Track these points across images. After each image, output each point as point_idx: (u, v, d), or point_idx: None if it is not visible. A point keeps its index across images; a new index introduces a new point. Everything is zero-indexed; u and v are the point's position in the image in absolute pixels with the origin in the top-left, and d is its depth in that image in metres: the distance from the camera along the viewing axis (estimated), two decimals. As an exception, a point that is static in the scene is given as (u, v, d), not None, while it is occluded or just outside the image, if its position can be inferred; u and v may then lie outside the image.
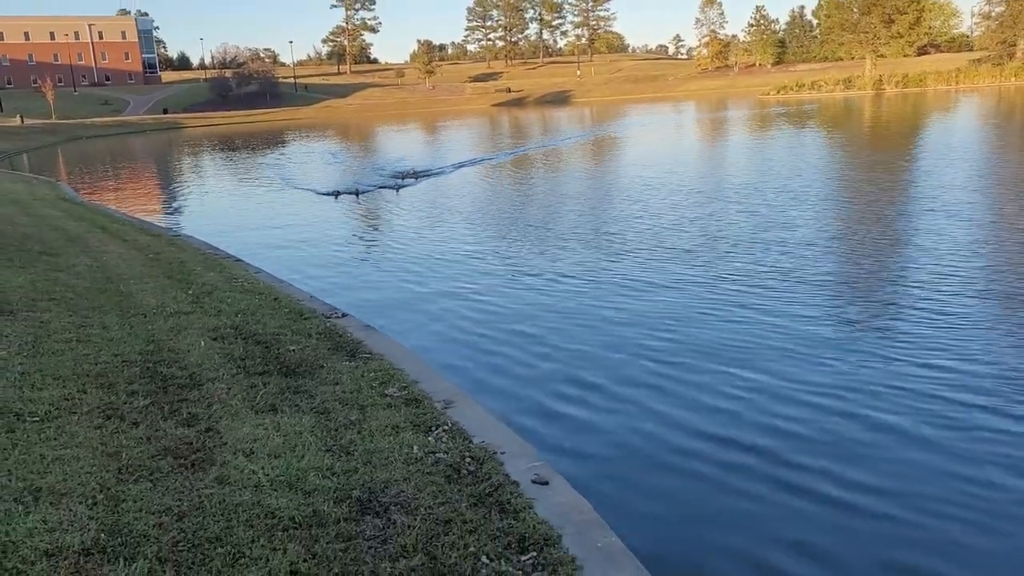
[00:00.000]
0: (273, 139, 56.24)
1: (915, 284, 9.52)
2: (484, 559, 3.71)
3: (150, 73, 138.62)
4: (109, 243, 12.96)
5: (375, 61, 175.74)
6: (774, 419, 6.04)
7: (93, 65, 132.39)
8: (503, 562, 3.70)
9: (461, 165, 27.99)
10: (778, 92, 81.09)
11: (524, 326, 8.77)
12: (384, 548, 3.80)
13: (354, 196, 20.20)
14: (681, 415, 6.23)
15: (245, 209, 20.46)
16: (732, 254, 11.58)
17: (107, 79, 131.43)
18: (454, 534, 3.93)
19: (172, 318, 7.96)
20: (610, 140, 39.17)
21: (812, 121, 43.43)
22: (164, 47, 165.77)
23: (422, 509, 4.16)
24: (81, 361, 6.30)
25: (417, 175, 24.34)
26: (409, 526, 3.98)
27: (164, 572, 3.48)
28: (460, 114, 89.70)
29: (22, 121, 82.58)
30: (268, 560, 3.62)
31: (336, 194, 20.55)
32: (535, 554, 3.77)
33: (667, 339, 8.04)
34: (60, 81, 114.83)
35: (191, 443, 4.89)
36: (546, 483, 4.51)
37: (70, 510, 3.91)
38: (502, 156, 32.69)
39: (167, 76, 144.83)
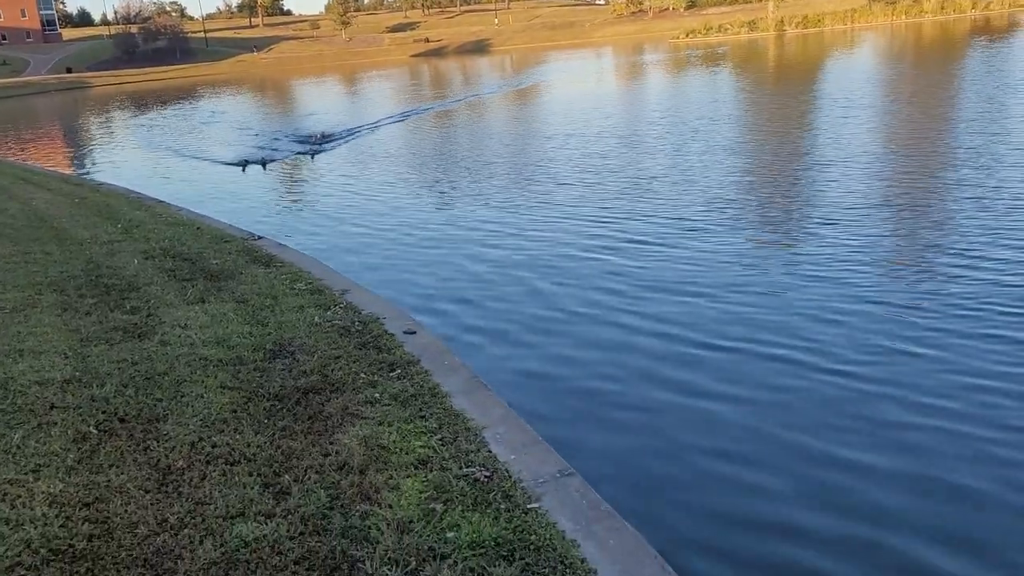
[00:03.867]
0: (183, 96, 55.36)
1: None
2: (362, 375, 5.16)
3: (49, 31, 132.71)
4: (35, 192, 13.80)
5: (288, 13, 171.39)
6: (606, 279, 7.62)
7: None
8: (376, 376, 5.16)
9: (380, 123, 26.43)
10: (687, 36, 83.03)
11: (410, 235, 10.19)
12: (289, 374, 5.22)
13: (260, 166, 18.30)
14: (533, 288, 7.77)
15: (158, 169, 20.44)
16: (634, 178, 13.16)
17: (3, 38, 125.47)
18: (342, 363, 5.36)
19: (106, 245, 9.11)
20: (537, 88, 39.01)
21: (722, 63, 45.12)
22: (63, 3, 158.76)
23: (319, 352, 5.58)
24: (33, 275, 7.48)
25: (327, 138, 22.36)
26: (308, 361, 5.40)
27: (127, 391, 4.83)
28: (379, 65, 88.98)
29: (-86, 84, 78.91)
30: (203, 382, 5.00)
31: (243, 164, 18.46)
32: (400, 371, 5.24)
33: (531, 247, 9.54)
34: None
35: (136, 324, 6.18)
36: (414, 332, 5.98)
37: (49, 360, 5.22)
38: (430, 107, 31.99)
39: (68, 33, 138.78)
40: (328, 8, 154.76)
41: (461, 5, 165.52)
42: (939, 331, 6.22)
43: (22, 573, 3.06)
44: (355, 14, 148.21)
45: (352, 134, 23.59)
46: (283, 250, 9.09)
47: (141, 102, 52.73)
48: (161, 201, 13.17)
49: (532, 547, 3.35)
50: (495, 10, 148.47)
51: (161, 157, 22.68)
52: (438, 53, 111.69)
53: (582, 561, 3.26)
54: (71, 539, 3.30)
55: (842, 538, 3.99)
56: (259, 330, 6.06)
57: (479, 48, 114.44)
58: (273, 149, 21.17)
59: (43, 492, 3.63)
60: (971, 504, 4.20)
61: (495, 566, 3.22)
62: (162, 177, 18.29)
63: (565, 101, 30.13)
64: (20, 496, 3.59)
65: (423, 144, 21.24)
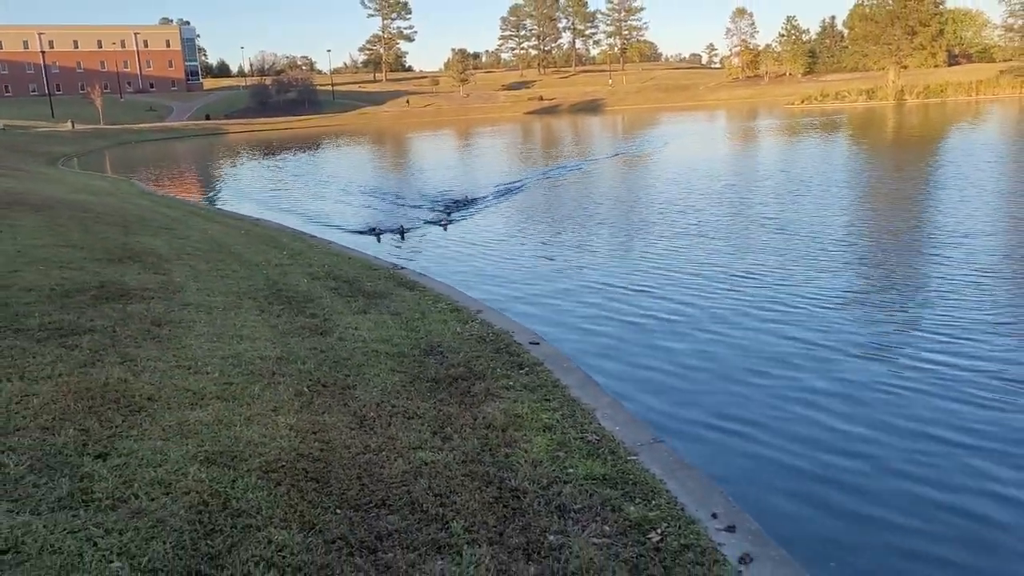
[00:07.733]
0: (305, 146, 58.27)
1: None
2: (498, 370, 6.55)
3: (192, 80, 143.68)
4: (206, 223, 16.02)
5: (410, 69, 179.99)
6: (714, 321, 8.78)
7: (138, 73, 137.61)
8: (509, 371, 6.53)
9: (506, 190, 24.73)
10: (802, 102, 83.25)
11: (534, 275, 11.59)
12: (441, 366, 6.65)
13: (399, 236, 17.00)
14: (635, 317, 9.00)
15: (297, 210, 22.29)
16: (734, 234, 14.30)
17: (151, 86, 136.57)
18: (481, 361, 6.77)
19: (278, 267, 10.91)
20: (650, 153, 37.24)
21: (839, 131, 45.11)
22: (205, 54, 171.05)
23: (462, 352, 7.01)
24: (229, 286, 9.26)
25: (458, 205, 21.52)
26: (454, 357, 6.84)
27: (323, 367, 6.36)
28: (494, 121, 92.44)
29: (73, 126, 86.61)
30: (377, 366, 6.49)
31: (378, 234, 17.16)
32: (527, 369, 6.60)
33: (647, 291, 10.78)
34: (107, 88, 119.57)
35: (317, 325, 7.78)
36: (538, 343, 7.35)
37: (261, 344, 6.82)
38: (561, 170, 30.53)
39: (208, 83, 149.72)
40: (448, 65, 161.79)
41: (576, 66, 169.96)
42: None
43: (282, 464, 4.52)
44: (473, 72, 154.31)
45: (476, 204, 22.09)
46: (423, 278, 10.68)
47: (267, 150, 54.71)
48: (313, 236, 15.12)
49: (630, 481, 4.62)
50: (609, 71, 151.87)
51: (291, 216, 20.92)
52: (551, 111, 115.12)
53: (667, 491, 4.50)
54: (309, 450, 4.76)
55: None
56: (413, 335, 7.56)
57: (591, 108, 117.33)
58: (402, 216, 20.19)
59: (283, 423, 5.12)
60: None
61: (603, 489, 4.50)
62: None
63: (681, 166, 30.27)
64: (268, 424, 5.08)
65: (543, 208, 20.82)
